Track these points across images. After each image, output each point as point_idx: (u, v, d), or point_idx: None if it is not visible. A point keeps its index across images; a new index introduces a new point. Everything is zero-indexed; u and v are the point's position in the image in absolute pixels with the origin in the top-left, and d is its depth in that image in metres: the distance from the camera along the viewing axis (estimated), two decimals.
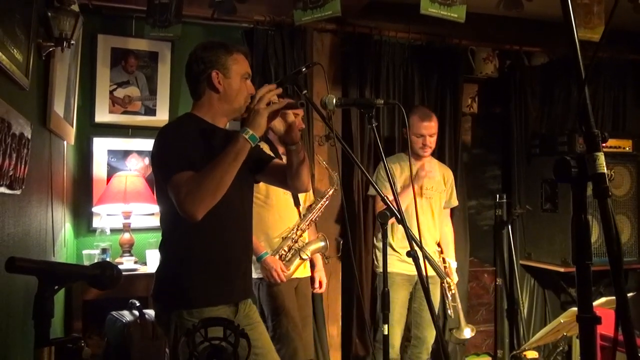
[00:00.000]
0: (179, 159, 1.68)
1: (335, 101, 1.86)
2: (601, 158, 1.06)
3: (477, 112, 4.09)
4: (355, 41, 3.56)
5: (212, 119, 1.87)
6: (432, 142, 3.15)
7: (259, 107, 1.70)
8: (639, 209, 3.85)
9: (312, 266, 3.00)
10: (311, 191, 3.09)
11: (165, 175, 1.70)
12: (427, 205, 3.22)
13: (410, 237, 1.78)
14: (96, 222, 3.18)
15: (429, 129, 3.11)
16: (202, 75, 1.83)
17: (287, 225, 2.82)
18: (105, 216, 3.15)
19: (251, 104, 1.74)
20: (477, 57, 3.90)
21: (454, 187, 3.40)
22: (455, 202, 3.42)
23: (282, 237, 2.78)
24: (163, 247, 1.87)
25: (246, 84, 1.89)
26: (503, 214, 3.85)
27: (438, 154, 3.67)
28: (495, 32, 3.82)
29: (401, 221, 1.80)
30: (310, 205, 2.95)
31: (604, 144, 3.61)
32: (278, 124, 1.90)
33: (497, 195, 3.86)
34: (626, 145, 3.81)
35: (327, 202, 2.97)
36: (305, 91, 1.90)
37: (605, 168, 1.07)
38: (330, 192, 2.99)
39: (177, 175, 1.65)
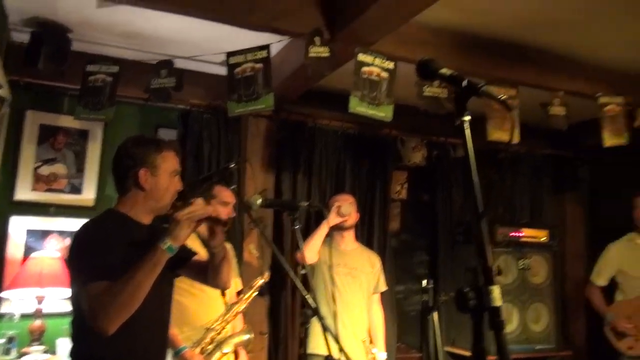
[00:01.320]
0: (96, 268, 1.62)
1: (260, 202, 1.89)
2: (496, 291, 1.13)
3: (406, 199, 4.25)
4: (290, 127, 3.66)
5: (136, 216, 1.84)
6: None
7: (180, 217, 1.69)
8: (555, 297, 4.04)
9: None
10: (239, 279, 3.05)
11: (79, 282, 1.64)
12: (356, 285, 3.25)
13: (333, 338, 1.79)
14: (5, 308, 2.97)
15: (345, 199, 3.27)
16: (130, 171, 1.82)
17: (212, 316, 2.74)
18: (16, 301, 2.96)
19: (176, 214, 1.73)
20: (407, 146, 4.08)
21: (382, 272, 3.46)
22: (383, 287, 3.47)
23: (206, 328, 2.70)
24: (74, 355, 1.77)
25: (174, 180, 1.89)
26: (429, 300, 3.91)
27: (367, 239, 3.75)
28: (423, 123, 4.03)
29: (323, 326, 1.81)
30: (238, 295, 2.90)
31: (521, 234, 3.77)
32: (202, 229, 1.90)
33: (423, 281, 3.94)
34: (542, 236, 4.03)
35: (256, 293, 2.92)
36: (234, 186, 1.93)
37: (500, 301, 1.13)
38: (259, 283, 2.93)
39: (92, 286, 1.59)
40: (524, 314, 3.89)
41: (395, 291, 3.94)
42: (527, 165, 4.42)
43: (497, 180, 4.35)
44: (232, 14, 2.53)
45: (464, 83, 1.22)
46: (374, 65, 2.69)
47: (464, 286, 1.18)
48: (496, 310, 1.12)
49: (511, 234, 3.89)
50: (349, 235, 3.34)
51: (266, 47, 2.66)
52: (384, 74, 2.73)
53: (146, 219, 1.87)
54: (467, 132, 1.23)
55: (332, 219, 3.20)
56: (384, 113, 2.77)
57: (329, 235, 3.23)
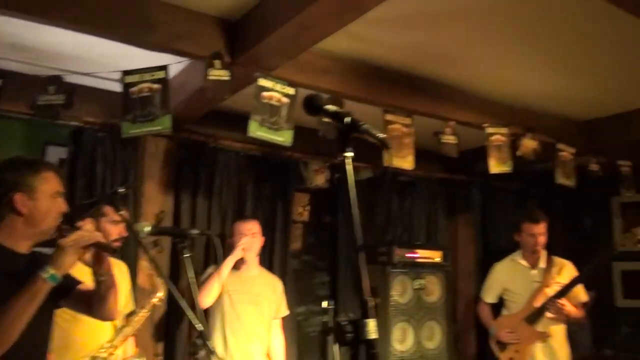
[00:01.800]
0: None
1: (148, 229, 1.83)
2: (371, 324, 1.16)
3: (308, 221, 4.30)
4: (190, 147, 3.59)
5: (13, 244, 1.72)
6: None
7: (65, 243, 1.61)
8: (448, 314, 4.23)
9: None
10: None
11: None
12: (258, 312, 3.23)
13: None
14: None
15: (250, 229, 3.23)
16: (3, 198, 1.71)
17: (98, 342, 2.60)
18: None
19: (60, 240, 1.64)
20: (310, 168, 4.14)
21: (284, 296, 3.46)
22: (285, 312, 3.47)
23: (91, 357, 2.55)
24: None
25: (57, 202, 1.79)
26: (329, 321, 3.96)
27: (268, 261, 3.74)
28: (326, 147, 4.10)
29: (209, 352, 1.78)
30: (129, 317, 2.77)
31: (417, 255, 3.88)
32: (87, 256, 1.81)
33: (324, 302, 3.99)
34: (437, 257, 4.22)
35: (149, 313, 2.81)
36: (122, 211, 1.86)
37: (376, 334, 1.17)
38: (153, 302, 2.82)
39: None
40: (419, 332, 4.04)
41: (296, 312, 3.95)
42: (424, 188, 4.63)
43: (396, 202, 4.53)
44: (129, 33, 2.46)
45: (347, 120, 1.26)
46: (274, 91, 2.72)
47: (342, 319, 1.21)
48: (371, 343, 1.15)
49: (407, 255, 4.04)
50: (252, 261, 3.32)
51: (164, 68, 2.61)
52: (285, 99, 2.76)
53: (25, 247, 1.76)
54: (349, 168, 1.27)
55: (238, 254, 3.17)
56: (284, 138, 2.80)
57: None
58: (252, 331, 3.19)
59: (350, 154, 1.25)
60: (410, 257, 4.06)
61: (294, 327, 3.84)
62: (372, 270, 4.06)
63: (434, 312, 4.15)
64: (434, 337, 4.13)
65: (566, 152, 3.85)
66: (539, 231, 3.64)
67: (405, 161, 3.22)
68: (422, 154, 4.25)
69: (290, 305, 3.72)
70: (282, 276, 3.72)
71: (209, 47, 2.57)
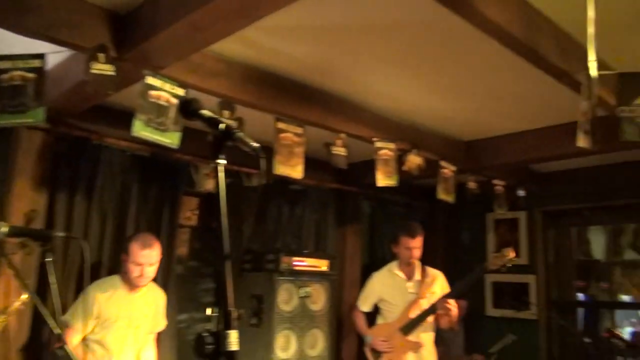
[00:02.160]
0: None
1: (5, 231, 1.69)
2: (233, 336, 1.15)
3: (196, 225, 4.19)
4: (71, 143, 3.38)
5: None
6: (151, 271, 3.05)
7: None
8: (331, 323, 4.31)
9: None
10: None
11: None
12: (136, 335, 3.08)
13: None
14: None
15: (149, 258, 3.02)
16: None
17: None
18: None
19: None
20: (200, 172, 4.04)
21: (164, 310, 3.33)
22: (162, 325, 3.34)
23: None
24: None
25: None
26: (213, 328, 3.89)
27: None
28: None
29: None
30: None
31: (304, 264, 3.90)
32: None
33: (208, 309, 3.92)
34: (323, 265, 4.29)
35: (10, 317, 2.59)
36: None
37: (237, 346, 1.16)
38: (16, 306, 2.57)
39: None
40: (302, 340, 4.08)
41: (177, 320, 3.83)
42: (315, 197, 4.70)
43: (287, 210, 4.55)
44: (1, 14, 2.26)
45: (221, 127, 1.24)
46: (163, 90, 2.63)
47: (202, 331, 1.18)
48: (232, 355, 1.14)
49: (295, 263, 4.07)
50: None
51: (41, 56, 2.43)
52: (173, 100, 2.67)
53: None
54: (221, 175, 1.25)
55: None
56: (170, 140, 2.71)
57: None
58: (126, 349, 3.04)
59: (222, 161, 1.23)
60: (297, 265, 4.10)
61: (174, 335, 3.71)
62: (259, 277, 4.05)
63: (318, 320, 4.21)
64: (317, 344, 4.19)
65: (448, 169, 4.09)
66: (415, 245, 3.81)
67: (294, 170, 3.25)
68: (314, 164, 4.32)
69: (172, 312, 3.61)
70: (165, 282, 3.60)
71: (93, 38, 2.43)
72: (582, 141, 2.60)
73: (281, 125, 3.14)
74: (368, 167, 3.84)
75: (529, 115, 3.68)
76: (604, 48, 2.58)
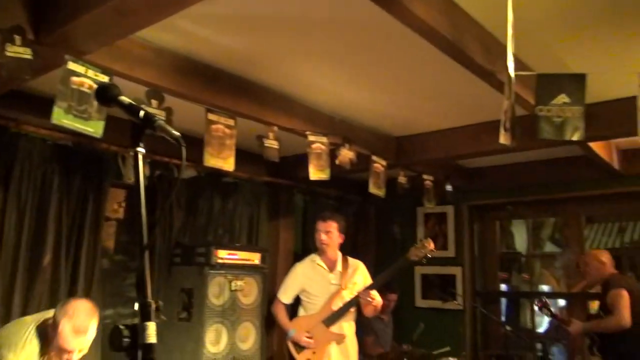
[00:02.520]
0: None
1: None
2: (151, 328, 1.12)
3: (123, 218, 4.06)
4: None
5: None
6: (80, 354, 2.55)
7: None
8: (262, 316, 4.30)
9: None
10: None
11: None
12: None
13: None
14: None
15: (80, 344, 2.52)
16: None
17: None
18: None
19: None
20: (127, 163, 3.92)
21: None
22: None
23: None
24: None
25: None
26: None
27: (74, 259, 3.46)
28: (147, 142, 3.92)
29: None
30: None
31: (236, 257, 3.82)
32: None
33: (136, 304, 3.81)
34: (255, 259, 4.27)
35: None
36: None
37: (155, 338, 1.13)
38: None
39: None
40: (233, 334, 4.05)
41: (102, 316, 3.69)
42: (248, 190, 4.66)
43: (219, 203, 4.49)
44: None
45: (141, 114, 1.20)
46: (86, 77, 2.51)
47: (118, 324, 1.15)
48: (149, 347, 1.11)
49: (226, 257, 4.03)
50: None
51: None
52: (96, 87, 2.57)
53: None
54: (140, 163, 1.21)
55: None
56: (94, 128, 2.60)
57: None
58: None
59: (142, 150, 1.20)
60: (229, 259, 4.06)
61: (99, 331, 3.57)
62: (190, 271, 3.98)
63: (249, 314, 4.19)
64: (249, 338, 4.17)
65: (379, 164, 4.17)
66: (325, 228, 3.87)
67: (226, 162, 3.21)
68: (247, 157, 4.29)
69: (98, 306, 3.47)
70: (90, 277, 3.47)
71: (8, 19, 2.29)
72: (503, 138, 2.72)
73: (212, 116, 3.09)
74: (301, 160, 3.85)
75: (456, 113, 3.81)
76: (526, 50, 2.72)
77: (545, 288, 6.41)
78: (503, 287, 6.21)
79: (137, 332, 1.11)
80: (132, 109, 1.21)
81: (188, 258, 4.01)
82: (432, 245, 3.81)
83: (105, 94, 1.25)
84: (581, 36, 2.64)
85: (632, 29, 2.55)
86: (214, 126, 3.11)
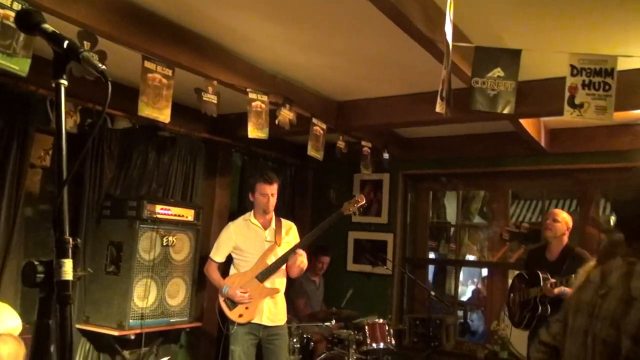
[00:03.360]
0: None
1: None
2: (68, 265, 1.10)
3: (50, 166, 3.89)
4: None
5: None
6: None
7: None
8: (194, 272, 4.28)
9: None
10: None
11: None
12: None
13: None
14: None
15: None
16: None
17: None
18: None
19: None
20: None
21: None
22: None
23: None
24: None
25: None
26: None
27: None
28: (80, 88, 3.74)
29: None
30: None
31: (169, 212, 3.77)
32: None
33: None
34: (189, 215, 4.22)
35: None
36: None
37: (70, 275, 1.10)
38: None
39: None
40: (163, 289, 4.02)
41: (23, 265, 3.56)
42: (185, 146, 4.57)
43: (154, 157, 4.38)
44: None
45: (65, 44, 1.14)
46: (9, 8, 2.35)
47: (32, 260, 1.11)
48: (64, 284, 1.09)
49: (159, 212, 3.96)
50: None
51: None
52: None
53: None
54: (62, 96, 1.16)
55: None
56: (19, 66, 2.45)
57: None
58: None
59: (64, 82, 1.14)
60: (162, 214, 3.99)
61: (18, 281, 3.46)
62: (119, 224, 3.89)
63: (180, 270, 4.16)
64: (178, 294, 4.15)
65: (319, 127, 4.18)
66: (271, 192, 3.86)
67: (161, 114, 3.11)
68: (186, 111, 4.20)
69: (18, 256, 3.36)
70: (12, 225, 3.32)
71: None
72: (439, 107, 2.79)
73: (149, 64, 2.98)
74: (241, 119, 3.80)
75: (397, 81, 3.86)
76: (466, 22, 2.77)
77: (470, 258, 6.72)
78: (431, 255, 6.46)
79: (52, 268, 1.08)
80: (55, 38, 1.14)
81: (118, 211, 3.91)
82: (363, 200, 3.94)
83: (26, 20, 1.18)
84: (520, 13, 2.71)
85: (568, 10, 2.64)
86: (150, 75, 3.01)
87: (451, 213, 6.68)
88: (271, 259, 3.81)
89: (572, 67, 2.82)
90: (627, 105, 3.33)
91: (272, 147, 5.20)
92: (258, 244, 3.85)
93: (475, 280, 8.69)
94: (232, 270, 3.89)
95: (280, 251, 3.84)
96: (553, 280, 3.71)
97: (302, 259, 3.78)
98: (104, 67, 1.14)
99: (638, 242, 1.66)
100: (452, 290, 6.25)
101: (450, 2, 2.17)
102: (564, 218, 4.01)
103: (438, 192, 6.22)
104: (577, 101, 2.85)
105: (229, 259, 3.94)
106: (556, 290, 3.68)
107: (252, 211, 3.96)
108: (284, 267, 3.88)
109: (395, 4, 2.31)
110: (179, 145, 4.51)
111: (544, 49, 3.01)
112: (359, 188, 5.82)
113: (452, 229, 6.42)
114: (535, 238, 5.76)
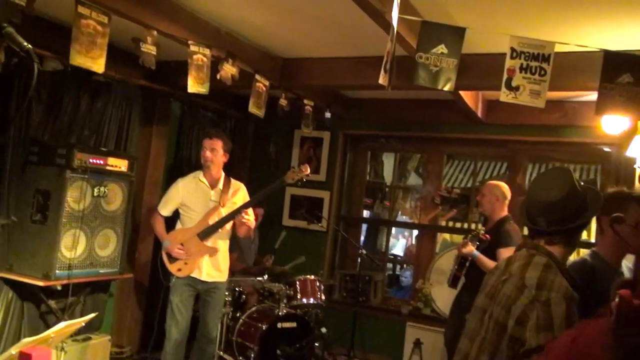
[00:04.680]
0: None
1: None
2: None
3: None
4: None
5: None
6: None
7: None
8: (127, 224, 4.21)
9: None
10: None
11: None
12: None
13: None
14: None
15: None
16: None
17: None
18: None
19: None
20: None
21: None
22: None
23: None
24: None
25: None
26: None
27: None
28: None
29: None
30: None
31: (101, 162, 3.67)
32: None
33: None
34: (122, 165, 4.10)
35: None
36: None
37: None
38: None
39: None
40: (93, 240, 3.93)
41: None
42: (120, 92, 4.37)
43: (86, 103, 4.18)
44: None
45: None
46: None
47: None
48: None
49: (90, 161, 3.82)
50: None
51: None
52: None
53: None
54: None
55: None
56: None
57: None
58: None
59: None
60: (93, 163, 3.85)
61: None
62: (47, 171, 3.74)
63: (112, 221, 4.08)
64: (109, 245, 4.08)
65: (261, 83, 4.10)
66: (210, 146, 3.85)
67: (95, 63, 2.96)
68: (123, 56, 4.00)
69: None
70: None
71: None
72: (382, 79, 2.79)
73: (83, 9, 2.80)
74: (181, 67, 3.65)
75: (342, 43, 3.82)
76: None
77: (403, 218, 6.94)
78: (366, 212, 6.62)
79: None
80: None
81: (46, 158, 3.74)
82: (307, 171, 3.95)
83: None
84: None
85: None
86: (84, 21, 2.83)
87: (388, 170, 6.81)
88: (214, 219, 3.83)
89: (512, 49, 2.88)
90: (559, 86, 3.45)
91: (213, 98, 5.03)
92: (203, 202, 3.87)
93: (406, 234, 9.05)
94: (178, 225, 3.93)
95: (224, 212, 3.85)
96: (465, 241, 3.81)
97: (248, 218, 3.81)
98: (29, 46, 1.06)
99: (541, 238, 1.82)
100: (383, 247, 6.47)
101: None
102: (490, 190, 3.99)
103: (377, 151, 6.31)
104: (514, 83, 2.93)
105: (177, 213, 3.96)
106: (464, 250, 3.76)
107: (202, 170, 3.94)
108: (227, 226, 3.90)
109: None
110: (114, 92, 4.32)
111: (488, 28, 3.05)
112: (299, 144, 5.82)
113: (387, 189, 6.58)
114: (464, 202, 6.03)
